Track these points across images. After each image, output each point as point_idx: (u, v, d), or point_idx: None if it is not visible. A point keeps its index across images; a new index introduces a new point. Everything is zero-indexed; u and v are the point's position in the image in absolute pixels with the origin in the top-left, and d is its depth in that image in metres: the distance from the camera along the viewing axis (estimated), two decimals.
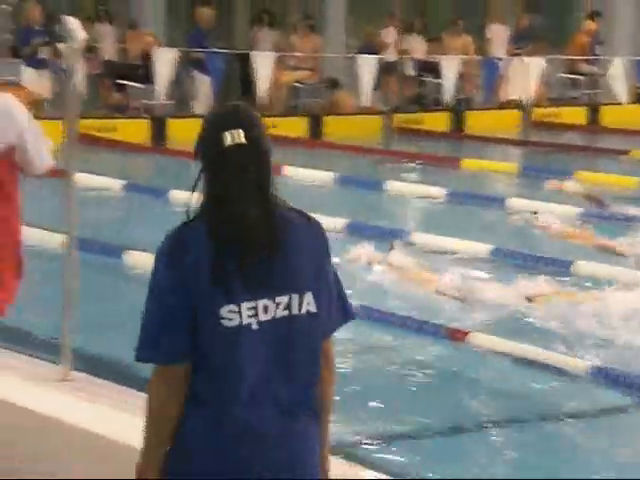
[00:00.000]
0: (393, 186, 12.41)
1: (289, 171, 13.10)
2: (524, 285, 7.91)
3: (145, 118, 16.65)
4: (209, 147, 2.61)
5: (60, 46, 5.71)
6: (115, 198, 11.57)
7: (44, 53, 16.08)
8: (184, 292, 2.52)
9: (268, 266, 2.53)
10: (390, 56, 18.58)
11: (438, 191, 11.98)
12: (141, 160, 15.01)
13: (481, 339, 6.74)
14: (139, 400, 5.21)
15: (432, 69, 18.91)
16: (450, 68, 18.20)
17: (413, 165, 14.62)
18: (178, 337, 2.52)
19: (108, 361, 6.35)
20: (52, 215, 9.12)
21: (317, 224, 2.68)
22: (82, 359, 5.80)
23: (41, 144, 4.55)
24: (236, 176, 2.54)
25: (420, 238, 9.51)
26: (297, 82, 18.33)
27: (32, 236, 9.02)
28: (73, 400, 5.22)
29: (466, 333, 6.82)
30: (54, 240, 7.89)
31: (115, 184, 11.90)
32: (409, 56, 19.45)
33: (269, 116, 17.27)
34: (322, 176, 13.04)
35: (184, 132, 15.91)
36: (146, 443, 2.59)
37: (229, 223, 2.53)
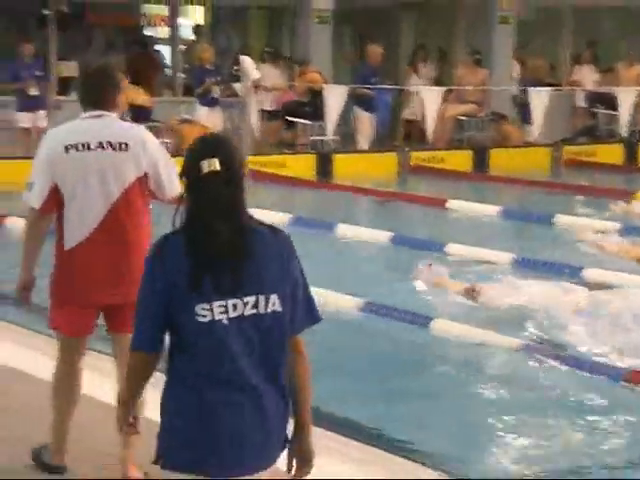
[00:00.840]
0: (562, 220, 12.15)
1: (454, 204, 13.01)
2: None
3: (312, 153, 16.89)
4: (190, 173, 3.09)
5: (235, 85, 5.82)
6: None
7: (216, 91, 16.51)
8: (162, 293, 3.04)
9: (237, 271, 3.03)
10: (561, 88, 18.34)
11: (611, 225, 11.67)
12: (308, 194, 15.15)
13: None
14: None
15: (604, 100, 18.56)
16: (626, 99, 17.93)
17: (583, 198, 14.30)
18: (149, 331, 3.09)
19: None
20: None
21: (284, 236, 3.21)
22: None
23: (172, 172, 4.67)
24: (211, 199, 3.04)
25: (592, 274, 9.27)
26: (463, 115, 18.24)
27: None
28: None
29: None
30: None
31: (282, 218, 12.05)
32: (580, 87, 19.12)
33: (435, 149, 17.30)
34: (487, 209, 12.89)
35: (349, 167, 16.15)
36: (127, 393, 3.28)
37: (203, 237, 3.04)
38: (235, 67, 4.78)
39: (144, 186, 4.67)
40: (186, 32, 20.08)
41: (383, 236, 11.05)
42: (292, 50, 19.90)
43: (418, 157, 17.01)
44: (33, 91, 15.74)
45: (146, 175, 4.66)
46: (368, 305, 8.18)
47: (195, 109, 16.41)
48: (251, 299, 3.05)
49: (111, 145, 4.61)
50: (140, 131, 4.80)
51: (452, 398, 6.53)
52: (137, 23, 19.97)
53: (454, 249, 10.32)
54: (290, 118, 17.46)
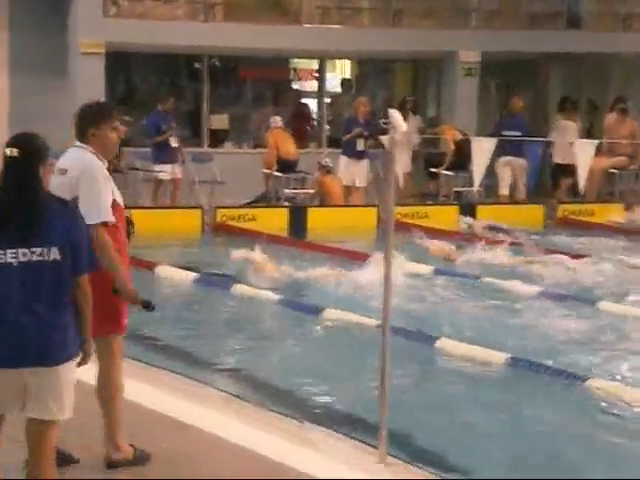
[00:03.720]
0: None
1: (597, 261, 12.63)
2: None
3: (453, 205, 16.88)
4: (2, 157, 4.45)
5: (382, 137, 5.90)
6: (427, 283, 11.67)
7: (361, 144, 16.74)
8: None
9: (28, 229, 4.33)
10: None
11: None
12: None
13: None
14: None
15: None
16: None
17: None
18: None
19: (422, 447, 6.35)
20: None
21: (71, 208, 4.63)
22: (397, 442, 5.85)
23: (90, 202, 5.10)
24: (10, 176, 4.43)
25: None
26: (613, 168, 17.90)
27: (347, 318, 9.38)
28: None
29: None
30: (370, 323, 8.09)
31: (426, 269, 12.05)
32: None
33: (585, 203, 17.02)
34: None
35: (492, 218, 16.04)
36: None
37: (3, 204, 4.40)
38: (384, 120, 4.86)
39: None
40: (332, 85, 20.39)
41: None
42: (438, 102, 19.96)
43: (566, 209, 16.78)
44: (174, 142, 16.16)
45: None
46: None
47: (340, 159, 16.76)
48: (37, 249, 4.35)
49: (59, 170, 5.26)
50: (83, 161, 5.21)
51: None
52: (286, 77, 20.38)
53: None
54: (433, 170, 17.55)
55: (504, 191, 17.41)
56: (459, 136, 17.25)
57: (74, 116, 5.38)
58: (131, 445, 5.46)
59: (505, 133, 16.83)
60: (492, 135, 16.73)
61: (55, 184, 4.89)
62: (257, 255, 11.85)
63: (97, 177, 5.15)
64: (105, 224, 5.11)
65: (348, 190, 16.72)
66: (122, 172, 16.15)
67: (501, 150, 16.90)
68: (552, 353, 8.48)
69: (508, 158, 17.31)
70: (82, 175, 5.15)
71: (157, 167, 16.06)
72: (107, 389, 5.40)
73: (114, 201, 5.23)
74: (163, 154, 16.02)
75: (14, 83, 17.06)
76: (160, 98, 16.50)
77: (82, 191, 5.11)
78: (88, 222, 4.75)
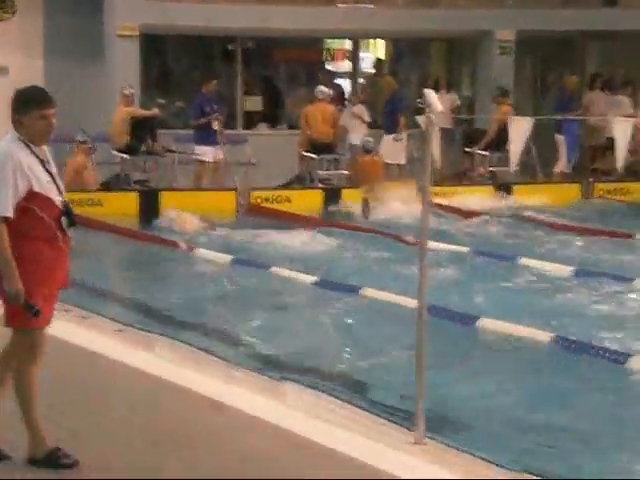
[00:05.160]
0: None
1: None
2: None
3: (488, 185, 16.80)
4: None
5: (418, 117, 5.85)
6: (463, 262, 11.64)
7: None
8: None
9: None
10: None
11: None
12: (485, 226, 14.97)
13: None
14: (489, 471, 5.22)
15: None
16: None
17: None
18: None
19: (460, 428, 6.34)
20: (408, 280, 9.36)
21: None
22: (434, 424, 5.84)
23: None
24: None
25: None
26: None
27: (386, 298, 9.37)
28: (424, 466, 5.26)
29: None
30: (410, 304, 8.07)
31: (461, 250, 12.02)
32: None
33: (622, 181, 16.87)
34: None
35: (529, 198, 15.95)
36: None
37: None
38: (419, 100, 4.84)
39: None
40: (366, 65, 20.32)
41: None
42: (473, 81, 19.84)
43: (602, 188, 16.65)
44: (215, 125, 16.18)
45: None
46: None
47: (382, 139, 16.90)
48: None
49: None
50: None
51: None
52: (319, 58, 20.33)
53: None
54: (468, 149, 17.48)
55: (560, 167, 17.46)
56: (512, 115, 17.19)
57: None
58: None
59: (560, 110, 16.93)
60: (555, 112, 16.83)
61: None
62: (186, 215, 13.98)
63: (1, 169, 4.99)
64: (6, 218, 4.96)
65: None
66: (159, 154, 16.22)
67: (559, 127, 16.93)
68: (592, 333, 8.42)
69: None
70: None
71: (198, 149, 16.09)
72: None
73: (34, 192, 5.04)
74: (205, 136, 16.04)
75: (49, 66, 17.13)
76: (203, 80, 16.49)
77: None
78: None
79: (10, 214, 4.97)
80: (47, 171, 5.14)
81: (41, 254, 5.06)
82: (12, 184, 4.98)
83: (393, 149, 17.00)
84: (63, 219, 5.14)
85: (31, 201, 5.04)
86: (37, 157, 5.11)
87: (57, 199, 5.14)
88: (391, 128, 17.18)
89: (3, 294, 5.06)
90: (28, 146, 5.09)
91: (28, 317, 5.02)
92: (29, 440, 5.18)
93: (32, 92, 5.20)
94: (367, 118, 17.43)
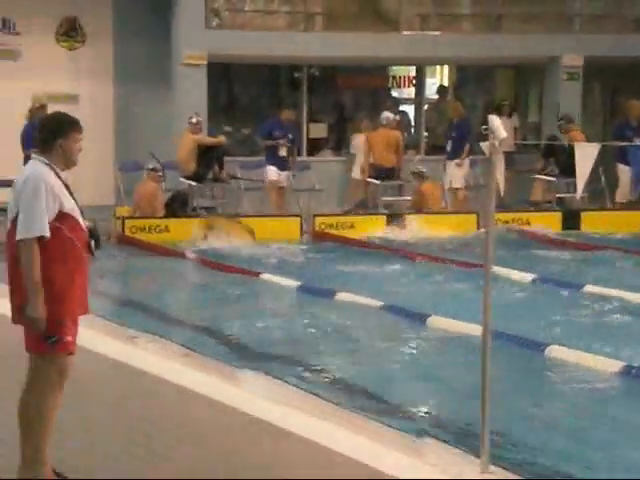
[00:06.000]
0: None
1: None
2: None
3: (557, 211, 16.68)
4: None
5: (482, 144, 5.84)
6: (525, 291, 11.51)
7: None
8: None
9: None
10: None
11: None
12: (552, 253, 14.83)
13: None
14: None
15: None
16: None
17: None
18: None
19: (526, 457, 6.26)
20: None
21: None
22: (499, 451, 5.79)
23: (28, 214, 5.04)
24: None
25: None
26: None
27: (454, 327, 9.31)
28: None
29: None
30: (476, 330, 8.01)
31: (525, 277, 11.89)
32: None
33: None
34: None
35: (596, 225, 15.81)
36: None
37: None
38: (484, 126, 4.81)
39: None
40: (431, 91, 20.31)
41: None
42: (540, 107, 19.73)
43: None
44: (282, 152, 16.36)
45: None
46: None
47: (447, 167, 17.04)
48: None
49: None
50: (28, 171, 5.17)
51: None
52: (385, 84, 20.37)
53: None
54: (537, 176, 17.36)
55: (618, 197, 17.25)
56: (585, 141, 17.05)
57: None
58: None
59: (618, 137, 16.69)
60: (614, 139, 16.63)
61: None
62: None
63: (37, 190, 5.05)
64: (41, 238, 5.00)
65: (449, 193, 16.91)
66: (225, 181, 16.36)
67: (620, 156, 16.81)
68: None
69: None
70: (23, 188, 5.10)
71: (268, 169, 16.43)
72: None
73: (64, 212, 5.10)
74: (272, 159, 16.44)
75: (118, 93, 17.40)
76: (282, 108, 17.04)
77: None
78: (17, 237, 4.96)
79: (47, 234, 5.01)
80: (71, 194, 5.23)
81: (72, 281, 5.08)
82: (45, 206, 5.05)
83: (457, 174, 17.00)
84: (92, 242, 5.23)
85: (61, 221, 5.09)
86: (62, 181, 5.19)
87: (83, 223, 5.21)
88: (456, 153, 17.18)
89: (25, 319, 5.01)
90: (53, 170, 5.17)
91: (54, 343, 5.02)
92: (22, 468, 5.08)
93: (68, 117, 5.29)
94: None
